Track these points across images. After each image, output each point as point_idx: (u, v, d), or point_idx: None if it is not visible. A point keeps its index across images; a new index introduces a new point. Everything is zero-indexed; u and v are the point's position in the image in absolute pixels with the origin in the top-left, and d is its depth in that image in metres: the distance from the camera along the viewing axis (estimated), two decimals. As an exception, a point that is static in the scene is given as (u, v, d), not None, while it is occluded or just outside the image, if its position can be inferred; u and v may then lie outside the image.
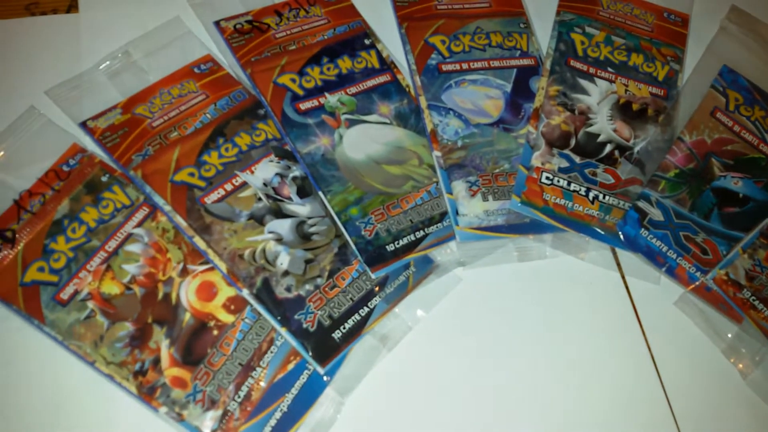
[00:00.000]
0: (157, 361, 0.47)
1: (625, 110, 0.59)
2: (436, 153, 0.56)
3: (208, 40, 0.62)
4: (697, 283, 0.52)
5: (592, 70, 0.61)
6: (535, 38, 0.64)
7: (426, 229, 0.53)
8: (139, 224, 0.52)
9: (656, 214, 0.53)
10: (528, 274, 0.55)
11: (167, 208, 0.51)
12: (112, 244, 0.50)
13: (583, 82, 0.60)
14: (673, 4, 0.66)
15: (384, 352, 0.51)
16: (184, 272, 0.50)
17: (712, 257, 0.52)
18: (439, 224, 0.54)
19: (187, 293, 0.49)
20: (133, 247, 0.51)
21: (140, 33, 0.60)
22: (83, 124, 0.55)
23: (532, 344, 0.52)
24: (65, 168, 0.53)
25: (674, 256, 0.52)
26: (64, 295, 0.48)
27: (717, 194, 0.54)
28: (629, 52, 0.62)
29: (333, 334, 0.49)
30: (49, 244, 0.50)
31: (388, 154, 0.56)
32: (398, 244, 0.52)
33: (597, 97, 0.59)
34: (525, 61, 0.62)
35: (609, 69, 0.61)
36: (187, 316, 0.49)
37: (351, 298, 0.50)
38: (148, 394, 0.46)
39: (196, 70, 0.59)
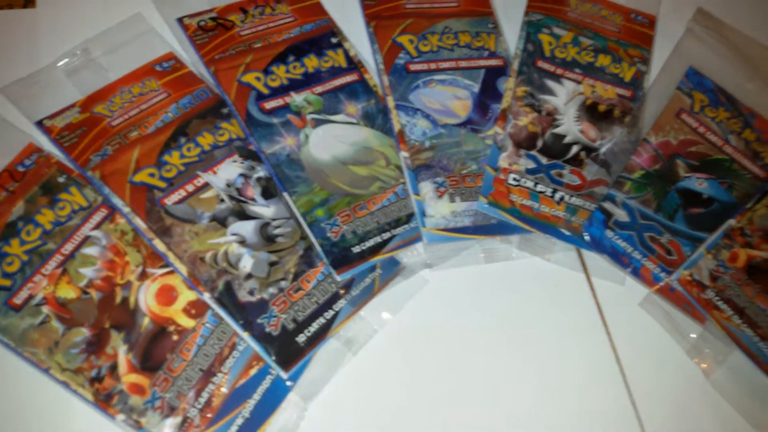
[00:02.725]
0: (114, 368, 0.46)
1: (591, 111, 0.59)
2: (404, 153, 0.55)
3: (170, 37, 0.60)
4: (662, 283, 0.52)
5: (559, 71, 0.61)
6: (503, 38, 0.63)
7: (393, 231, 0.53)
8: (97, 226, 0.50)
9: (621, 215, 0.53)
10: (495, 276, 0.54)
11: (126, 209, 0.50)
12: (68, 247, 0.49)
13: (551, 83, 0.60)
14: (640, 5, 0.66)
15: (349, 355, 0.50)
16: (143, 276, 0.49)
17: (677, 258, 0.52)
18: (405, 226, 0.53)
19: (146, 297, 0.48)
20: (90, 250, 0.49)
21: (100, 29, 0.58)
22: (40, 123, 0.53)
23: (499, 345, 0.52)
24: (20, 168, 0.51)
25: (639, 256, 0.52)
26: (18, 299, 0.47)
27: (682, 195, 0.55)
28: (596, 53, 0.62)
29: (297, 338, 0.48)
30: (2, 248, 0.48)
31: (355, 154, 0.55)
32: (364, 245, 0.51)
33: (564, 98, 0.59)
34: (493, 62, 0.61)
35: (576, 70, 0.61)
36: (146, 321, 0.47)
37: (316, 301, 0.50)
38: (104, 401, 0.45)
39: (157, 67, 0.57)
